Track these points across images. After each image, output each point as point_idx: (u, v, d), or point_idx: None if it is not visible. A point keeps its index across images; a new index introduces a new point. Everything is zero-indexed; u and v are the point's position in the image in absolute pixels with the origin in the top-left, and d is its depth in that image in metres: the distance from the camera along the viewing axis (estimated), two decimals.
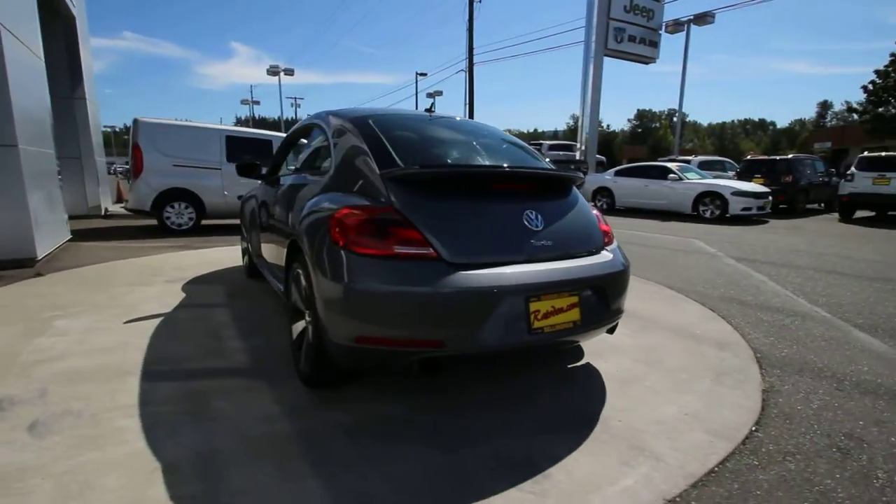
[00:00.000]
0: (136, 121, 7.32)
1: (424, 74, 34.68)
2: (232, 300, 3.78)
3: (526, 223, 2.07)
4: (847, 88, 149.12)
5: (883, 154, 10.61)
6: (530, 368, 2.53)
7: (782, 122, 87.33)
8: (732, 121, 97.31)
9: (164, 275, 4.56)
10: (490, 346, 1.84)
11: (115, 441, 1.80)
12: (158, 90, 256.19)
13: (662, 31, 18.03)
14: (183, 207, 7.60)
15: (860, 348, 2.93)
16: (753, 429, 2.00)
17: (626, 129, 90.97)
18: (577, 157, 16.43)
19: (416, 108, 38.69)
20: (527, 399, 2.22)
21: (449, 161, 2.45)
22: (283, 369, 2.47)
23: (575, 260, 2.13)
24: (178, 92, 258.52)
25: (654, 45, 17.92)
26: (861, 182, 10.54)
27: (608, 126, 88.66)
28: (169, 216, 7.54)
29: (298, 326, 2.37)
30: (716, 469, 1.72)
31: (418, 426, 1.97)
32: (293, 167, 3.43)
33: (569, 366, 2.59)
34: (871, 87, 24.57)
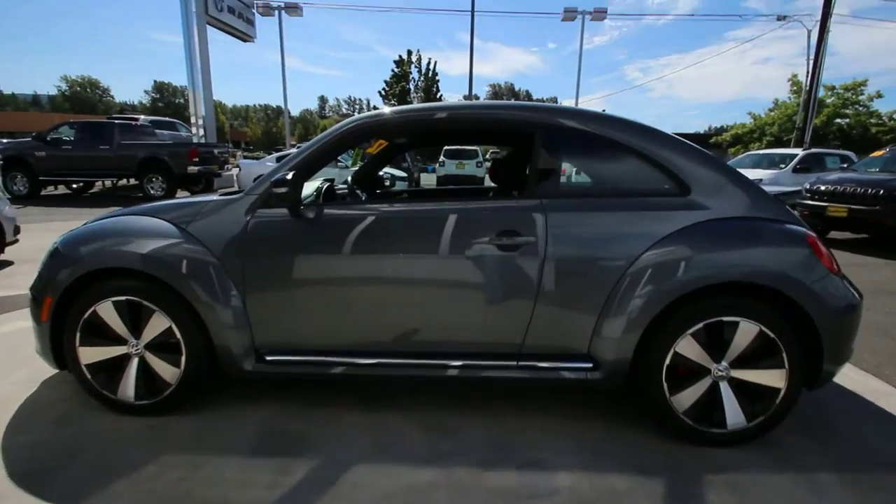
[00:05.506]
0: None
1: None
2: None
3: None
4: (337, 86, 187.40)
5: (458, 147, 15.46)
6: None
7: (295, 111, 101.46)
8: (255, 104, 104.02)
9: None
10: None
11: None
12: None
13: (256, 12, 17.56)
14: None
15: None
16: None
17: (144, 101, 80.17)
18: (204, 139, 14.00)
19: None
20: None
21: None
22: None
23: None
24: None
25: (251, 22, 17.36)
26: (449, 167, 15.10)
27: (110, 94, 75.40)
28: None
29: (699, 388, 1.93)
30: None
31: None
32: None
33: None
34: (383, 92, 33.28)
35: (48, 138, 11.05)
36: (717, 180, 2.01)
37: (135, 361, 2.08)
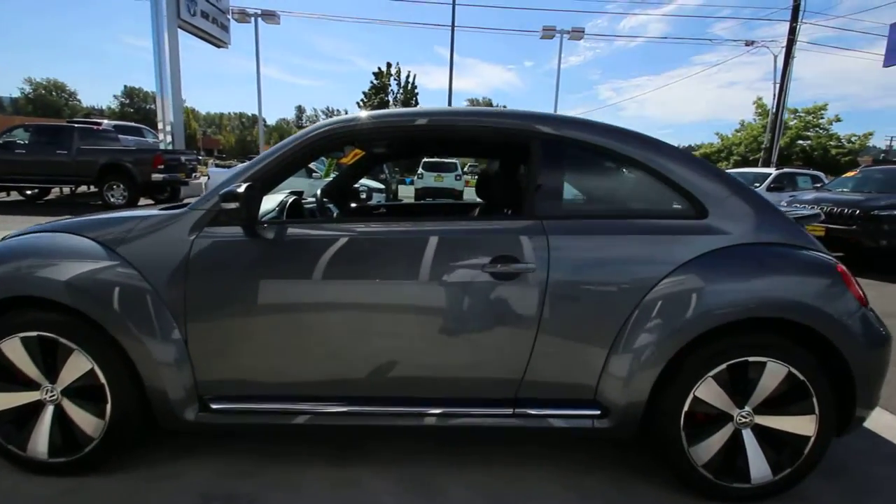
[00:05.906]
0: None
1: None
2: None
3: None
4: (315, 97, 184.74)
5: (437, 160, 15.26)
6: None
7: (271, 120, 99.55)
8: (229, 112, 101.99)
9: None
10: None
11: None
12: None
13: (231, 18, 17.09)
14: None
15: None
16: None
17: (113, 106, 77.52)
18: (171, 146, 13.38)
19: None
20: None
21: None
22: None
23: None
24: None
25: (225, 28, 16.86)
26: (427, 179, 14.89)
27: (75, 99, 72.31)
28: None
29: (721, 437, 1.69)
30: None
31: None
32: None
33: None
34: (361, 104, 33.04)
35: (0, 141, 10.31)
36: (736, 202, 1.79)
37: (49, 410, 1.70)
